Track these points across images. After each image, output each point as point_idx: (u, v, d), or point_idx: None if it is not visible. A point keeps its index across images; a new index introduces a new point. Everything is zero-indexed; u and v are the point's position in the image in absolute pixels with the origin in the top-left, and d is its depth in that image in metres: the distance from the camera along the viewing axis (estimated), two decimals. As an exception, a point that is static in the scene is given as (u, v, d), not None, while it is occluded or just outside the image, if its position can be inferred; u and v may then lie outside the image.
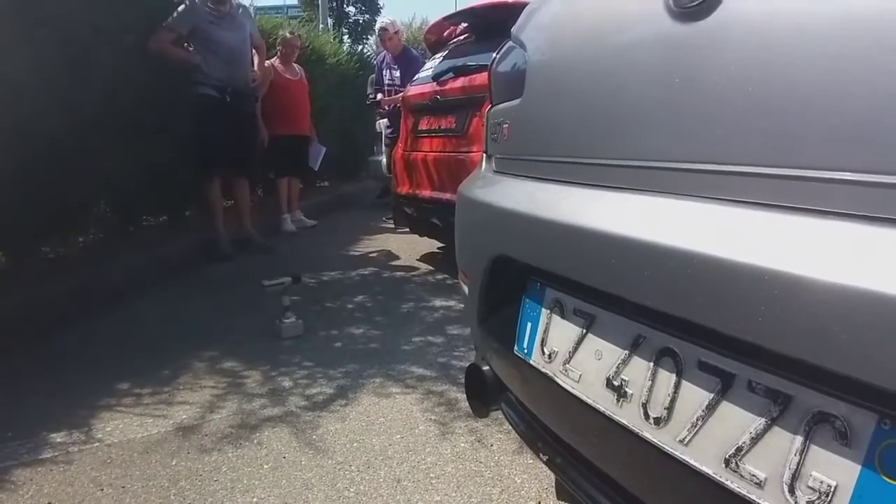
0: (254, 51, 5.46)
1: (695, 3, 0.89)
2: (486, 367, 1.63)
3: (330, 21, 17.01)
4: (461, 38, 4.89)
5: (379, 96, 7.16)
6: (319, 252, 5.62)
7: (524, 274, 1.30)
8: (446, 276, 4.63)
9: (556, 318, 1.19)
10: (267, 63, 6.57)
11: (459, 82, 4.22)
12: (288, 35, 6.68)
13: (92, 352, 3.17)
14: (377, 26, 7.40)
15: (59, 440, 2.28)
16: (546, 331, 1.21)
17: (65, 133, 3.90)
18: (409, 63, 6.83)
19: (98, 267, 4.25)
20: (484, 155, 1.70)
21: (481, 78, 4.02)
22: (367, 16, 26.19)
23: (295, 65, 6.81)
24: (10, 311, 3.33)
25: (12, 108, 3.48)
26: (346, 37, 15.34)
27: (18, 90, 3.51)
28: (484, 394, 1.61)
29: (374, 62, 8.84)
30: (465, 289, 1.68)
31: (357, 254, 5.58)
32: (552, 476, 1.97)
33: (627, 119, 1.04)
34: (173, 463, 2.11)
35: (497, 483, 1.97)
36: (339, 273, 4.82)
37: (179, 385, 2.75)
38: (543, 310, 1.23)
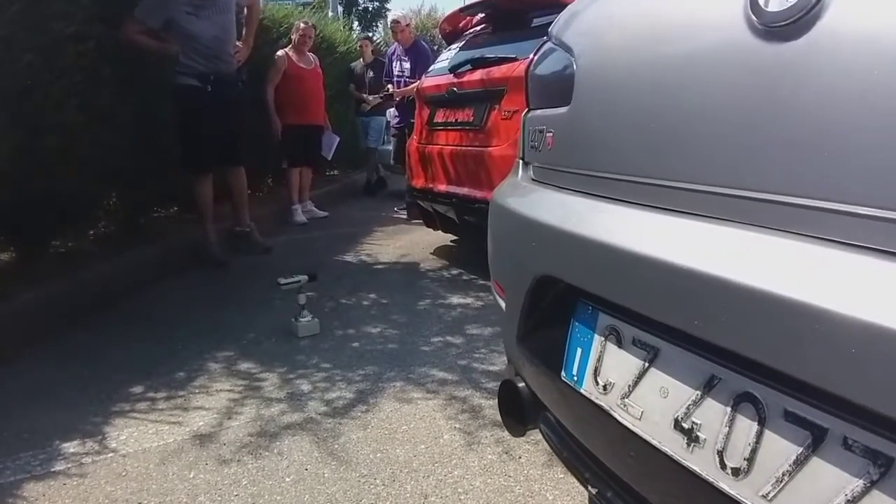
0: (244, 13, 5.08)
1: (784, 23, 0.81)
2: (521, 384, 1.56)
3: (340, 9, 16.84)
4: (478, 29, 4.80)
5: (389, 88, 7.11)
6: (331, 245, 5.55)
7: (573, 295, 1.22)
8: (461, 271, 4.56)
9: (611, 347, 1.12)
10: (280, 52, 6.46)
11: (478, 74, 4.12)
12: (302, 24, 6.59)
13: (103, 351, 3.11)
14: (389, 19, 7.39)
15: (72, 450, 2.22)
16: (600, 359, 1.14)
17: (76, 126, 3.83)
18: (419, 55, 6.81)
19: (108, 262, 4.18)
20: (520, 161, 1.62)
21: (500, 70, 3.94)
22: (377, 4, 25.91)
23: (309, 54, 6.75)
24: (20, 310, 3.27)
25: (24, 101, 3.41)
26: (355, 24, 15.15)
27: (30, 84, 3.44)
28: (520, 412, 1.54)
29: (352, 49, 8.79)
30: (501, 302, 1.60)
31: (370, 247, 5.50)
32: (585, 493, 1.90)
33: (701, 139, 0.95)
34: (191, 476, 2.05)
35: (528, 499, 1.90)
36: (353, 268, 4.76)
37: (194, 388, 2.69)
38: (596, 336, 1.16)
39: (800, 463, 0.78)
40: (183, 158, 4.76)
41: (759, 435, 0.83)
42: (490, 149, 3.94)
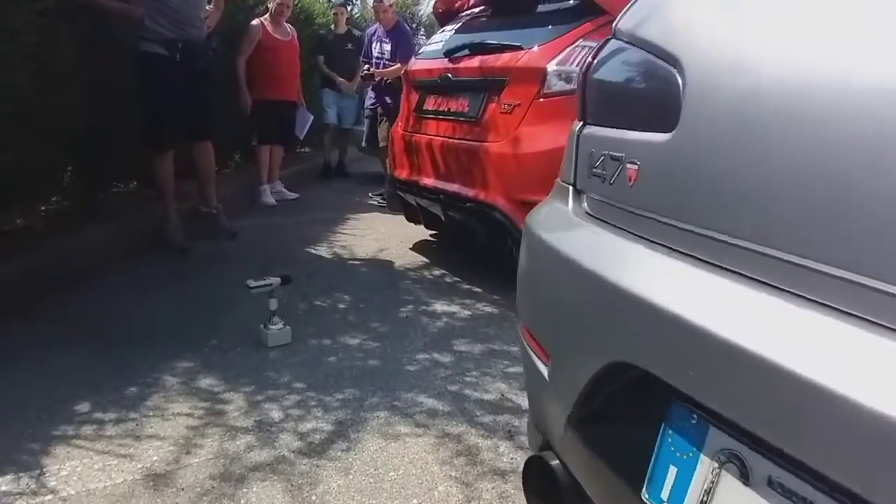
0: None
1: None
2: (555, 462, 1.26)
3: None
4: (475, 10, 4.44)
5: (368, 68, 6.74)
6: (302, 233, 5.17)
7: (666, 391, 0.91)
8: (444, 271, 4.24)
9: (730, 480, 0.81)
10: (255, 22, 6.06)
11: (476, 61, 3.77)
12: None
13: (47, 355, 2.73)
14: None
15: (3, 488, 1.87)
16: (710, 492, 0.83)
17: (31, 93, 3.42)
18: (400, 37, 6.58)
19: (58, 245, 3.78)
20: (570, 187, 1.30)
21: (502, 59, 3.61)
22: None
23: (287, 24, 6.34)
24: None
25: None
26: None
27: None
28: (553, 496, 1.25)
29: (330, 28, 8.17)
30: (538, 363, 1.28)
31: (344, 238, 5.13)
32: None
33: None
34: (141, 532, 1.72)
35: (543, 582, 1.60)
36: (327, 262, 4.40)
37: (149, 410, 2.34)
38: (704, 458, 0.85)
39: None
40: (144, 133, 4.32)
41: None
42: (486, 144, 3.61)
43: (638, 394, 0.97)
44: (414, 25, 7.29)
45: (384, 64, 6.54)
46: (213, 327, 3.11)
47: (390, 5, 6.66)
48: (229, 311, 3.32)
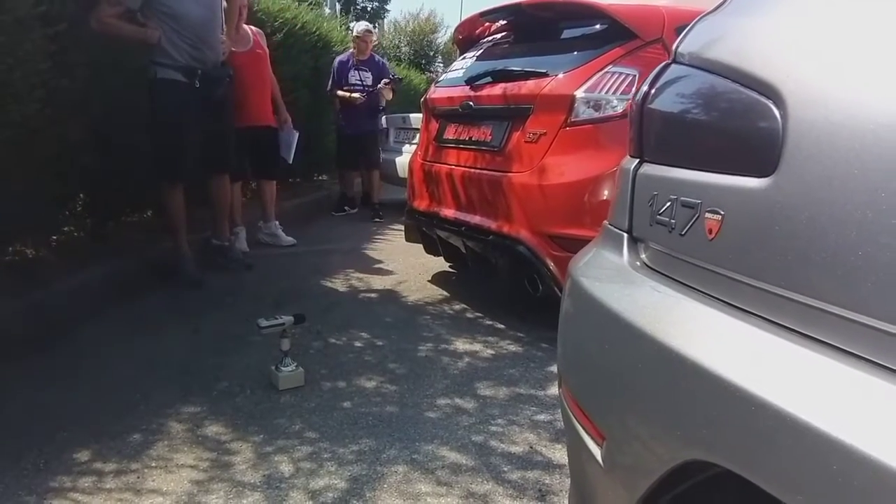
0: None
1: None
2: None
3: (337, 6, 16.28)
4: (497, 37, 4.29)
5: (339, 93, 7.23)
6: (317, 265, 5.01)
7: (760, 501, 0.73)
8: (464, 306, 4.06)
9: None
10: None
11: (499, 89, 3.62)
12: None
13: (48, 396, 2.59)
14: (361, 28, 7.34)
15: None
16: None
17: (40, 120, 3.30)
18: (380, 68, 7.35)
19: (68, 276, 3.64)
20: (624, 235, 1.13)
21: (527, 86, 3.45)
22: (376, 4, 25.42)
23: (249, 28, 5.21)
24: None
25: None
26: (352, 24, 14.65)
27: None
28: None
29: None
30: (586, 439, 1.10)
31: (361, 270, 4.94)
32: None
33: None
34: None
35: None
36: (342, 296, 4.23)
37: (151, 460, 2.17)
38: None
39: None
40: (158, 166, 4.18)
41: None
42: (510, 174, 3.45)
43: (729, 496, 0.79)
44: (431, 53, 7.19)
45: (365, 91, 7.14)
46: (223, 368, 2.94)
47: (373, 38, 7.54)
48: (240, 349, 3.16)
